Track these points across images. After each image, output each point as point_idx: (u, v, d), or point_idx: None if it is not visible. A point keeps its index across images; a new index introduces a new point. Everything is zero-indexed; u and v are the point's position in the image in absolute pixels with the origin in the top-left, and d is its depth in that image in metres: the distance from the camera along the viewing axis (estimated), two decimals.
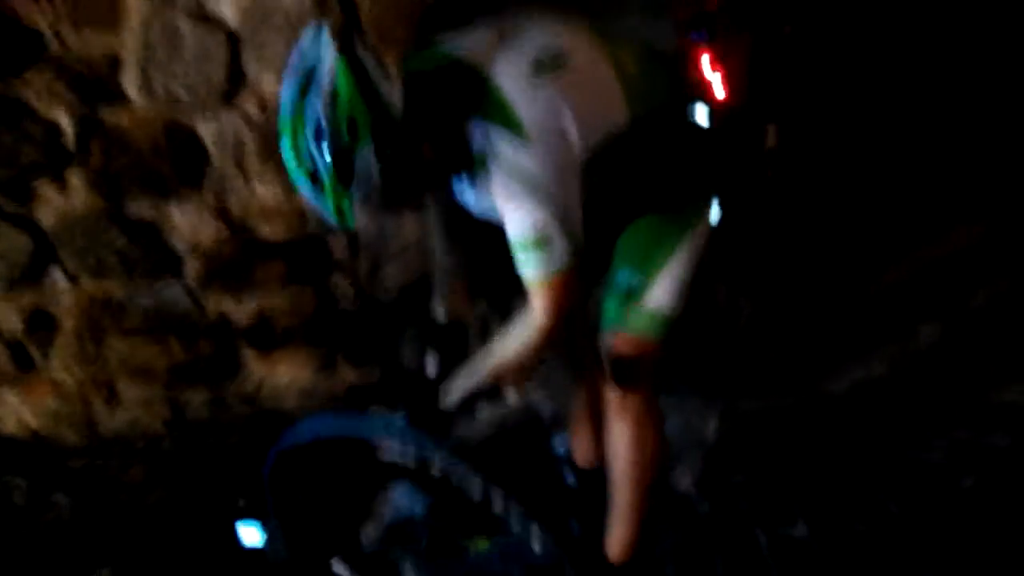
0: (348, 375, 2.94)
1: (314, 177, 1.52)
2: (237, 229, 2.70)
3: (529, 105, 1.56)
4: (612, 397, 1.95)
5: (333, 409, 2.53)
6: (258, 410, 2.90)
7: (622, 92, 1.67)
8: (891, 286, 3.45)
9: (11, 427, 2.79)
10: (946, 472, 2.46)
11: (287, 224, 2.72)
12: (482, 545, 2.20)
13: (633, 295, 1.84)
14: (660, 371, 1.93)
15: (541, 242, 1.58)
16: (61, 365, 2.74)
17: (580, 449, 2.35)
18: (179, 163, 2.60)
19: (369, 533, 2.13)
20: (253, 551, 2.29)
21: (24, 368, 2.73)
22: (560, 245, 1.59)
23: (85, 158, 2.54)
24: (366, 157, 1.49)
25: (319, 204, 1.56)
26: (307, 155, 1.50)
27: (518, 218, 1.59)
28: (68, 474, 2.58)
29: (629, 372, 1.90)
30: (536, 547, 1.71)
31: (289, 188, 2.65)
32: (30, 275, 2.63)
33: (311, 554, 2.04)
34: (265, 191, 2.66)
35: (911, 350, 3.07)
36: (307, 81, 1.48)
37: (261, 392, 2.92)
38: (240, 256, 2.73)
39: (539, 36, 1.65)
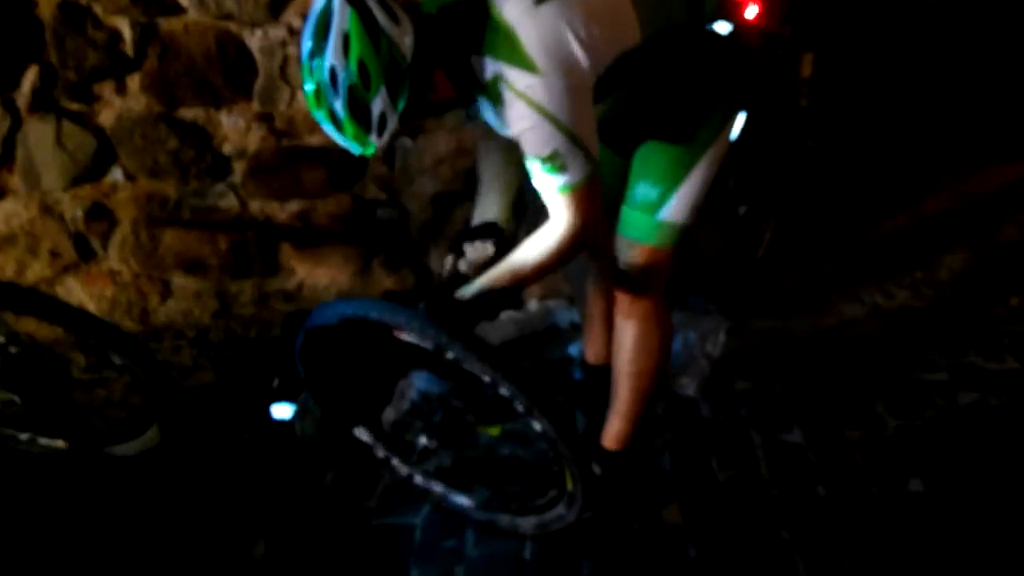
0: (384, 280, 3.12)
1: (333, 118, 1.63)
2: (281, 135, 2.87)
3: (534, 34, 1.62)
4: (623, 299, 2.05)
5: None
6: (299, 308, 3.10)
7: (634, 10, 1.71)
8: (924, 217, 3.47)
9: None
10: (947, 390, 2.52)
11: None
12: (494, 431, 2.35)
13: (650, 207, 1.91)
14: (672, 282, 2.04)
15: (556, 161, 1.66)
16: (119, 256, 2.97)
17: (591, 346, 2.47)
18: (229, 72, 2.77)
19: (390, 412, 2.30)
20: (283, 425, 2.50)
21: (85, 257, 2.97)
22: (576, 162, 1.67)
23: (143, 63, 2.73)
24: (380, 99, 1.60)
25: (341, 141, 1.69)
26: (325, 98, 1.61)
27: (532, 141, 1.67)
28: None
29: (644, 279, 2.00)
30: (537, 427, 1.84)
31: None
32: (92, 172, 2.85)
33: (337, 423, 2.22)
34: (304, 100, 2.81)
35: (934, 279, 3.11)
36: (323, 29, 1.60)
37: (302, 291, 3.11)
38: (283, 161, 2.90)
39: None
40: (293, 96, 2.82)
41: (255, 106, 2.83)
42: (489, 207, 2.08)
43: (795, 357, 2.73)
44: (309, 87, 1.64)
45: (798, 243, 3.17)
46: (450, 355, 1.77)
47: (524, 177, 1.87)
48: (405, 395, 2.48)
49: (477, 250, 2.01)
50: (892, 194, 3.49)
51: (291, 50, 2.76)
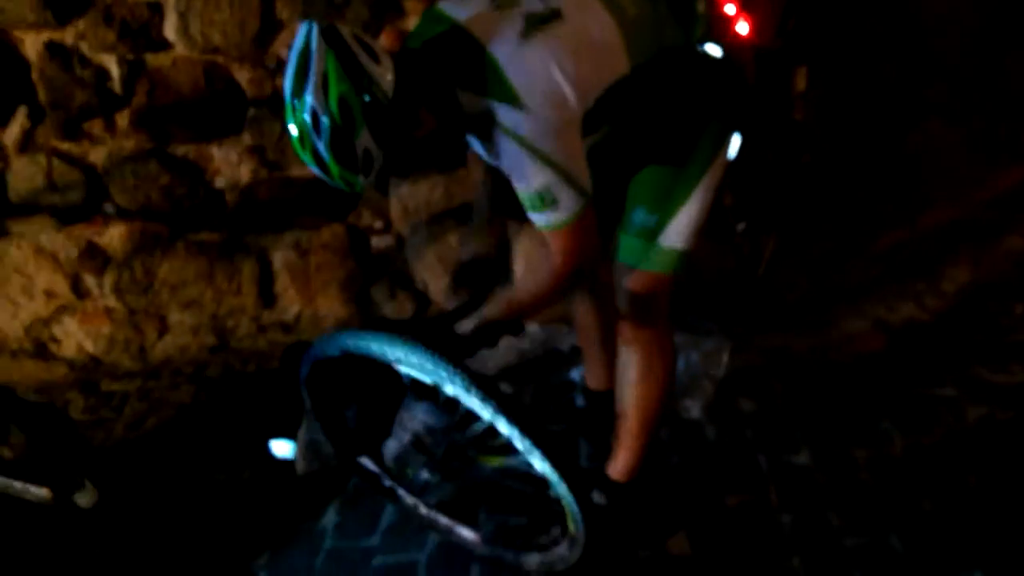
0: (381, 308, 3.09)
1: (318, 158, 1.61)
2: (273, 167, 2.86)
3: (520, 70, 1.60)
4: (624, 326, 2.02)
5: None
6: (297, 339, 3.07)
7: (621, 40, 1.69)
8: (925, 229, 3.44)
9: (71, 351, 3.02)
10: (955, 405, 2.48)
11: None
12: (496, 462, 2.31)
13: (648, 234, 1.88)
14: (673, 302, 2.00)
15: (546, 198, 1.64)
16: (114, 294, 2.95)
17: (592, 373, 2.44)
18: (218, 105, 2.76)
19: (392, 443, 2.27)
20: (283, 462, 2.47)
21: (81, 296, 2.95)
22: (566, 196, 1.65)
23: (131, 100, 2.71)
24: (364, 138, 1.57)
25: (328, 181, 1.66)
26: (308, 139, 1.58)
27: (521, 178, 1.65)
28: (120, 396, 2.78)
29: (645, 305, 1.97)
30: (536, 467, 1.81)
31: None
32: (84, 210, 2.83)
33: (343, 453, 2.19)
34: None
35: (938, 291, 3.08)
36: (303, 69, 1.57)
37: (300, 322, 3.09)
38: (276, 193, 2.88)
39: None
40: (283, 127, 2.79)
41: (246, 139, 2.82)
42: (487, 233, 2.06)
43: (799, 375, 2.69)
44: (293, 128, 1.62)
45: (799, 259, 3.13)
46: (449, 391, 1.74)
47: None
48: (407, 426, 2.45)
49: (479, 278, 1.99)
50: (891, 205, 3.46)
51: (280, 81, 2.73)
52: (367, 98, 1.56)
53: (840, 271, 3.17)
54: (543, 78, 1.62)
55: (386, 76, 1.59)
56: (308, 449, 2.45)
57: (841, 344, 2.84)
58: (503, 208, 2.04)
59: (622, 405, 2.09)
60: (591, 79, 1.67)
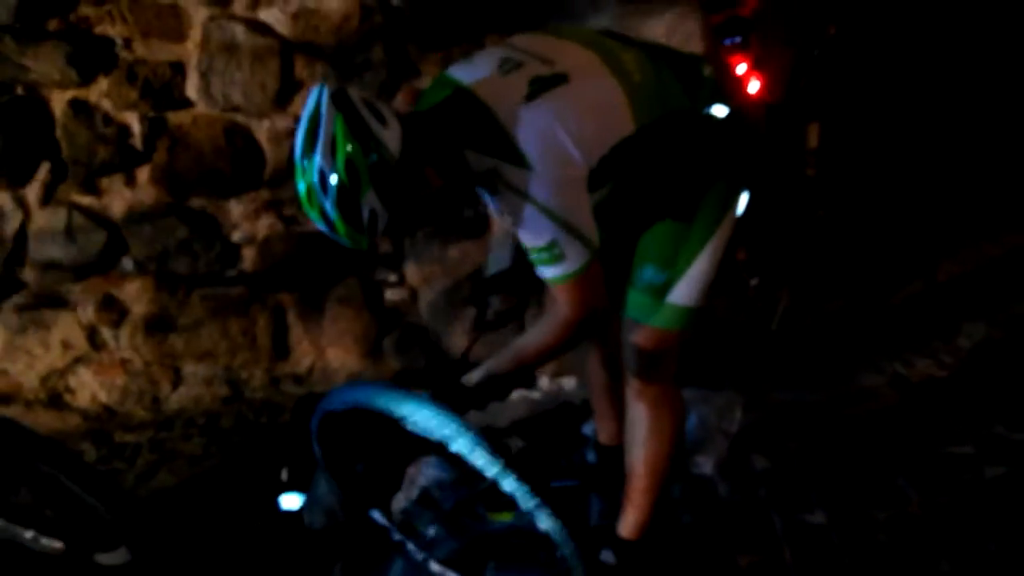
0: (394, 361, 3.10)
1: (325, 217, 1.62)
2: (289, 222, 2.90)
3: (526, 131, 1.63)
4: (633, 383, 2.01)
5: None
6: (309, 391, 3.08)
7: (627, 102, 1.71)
8: (940, 284, 3.43)
9: (85, 401, 3.03)
10: (973, 463, 2.45)
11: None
12: (504, 518, 2.30)
13: (657, 290, 1.88)
14: (685, 357, 2.00)
15: (554, 252, 1.66)
16: (130, 346, 2.97)
17: (603, 427, 2.42)
18: (237, 161, 2.81)
19: (400, 498, 2.26)
20: (291, 516, 2.45)
21: (97, 347, 2.97)
22: (573, 251, 1.67)
23: (152, 156, 2.77)
24: (370, 199, 1.59)
25: (335, 238, 1.69)
26: (316, 198, 1.60)
27: (530, 234, 1.67)
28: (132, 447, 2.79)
29: (653, 362, 1.97)
30: (542, 525, 1.79)
31: None
32: (102, 263, 2.87)
33: (354, 506, 2.18)
34: None
35: (954, 347, 3.05)
36: (312, 130, 1.61)
37: (312, 375, 3.10)
38: (292, 247, 2.92)
39: (539, 55, 1.72)
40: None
41: (264, 194, 2.86)
42: (504, 256, 2.08)
43: (814, 431, 2.66)
44: (301, 187, 1.65)
45: (813, 313, 3.12)
46: (455, 448, 1.73)
47: None
48: (415, 481, 2.44)
49: (500, 300, 2.00)
50: (907, 261, 3.45)
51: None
52: (374, 158, 1.59)
53: (854, 326, 3.15)
54: (548, 138, 1.65)
55: (393, 138, 1.62)
56: (316, 503, 2.44)
57: (856, 400, 2.82)
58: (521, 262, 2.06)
59: (631, 461, 2.07)
60: (596, 139, 1.69)
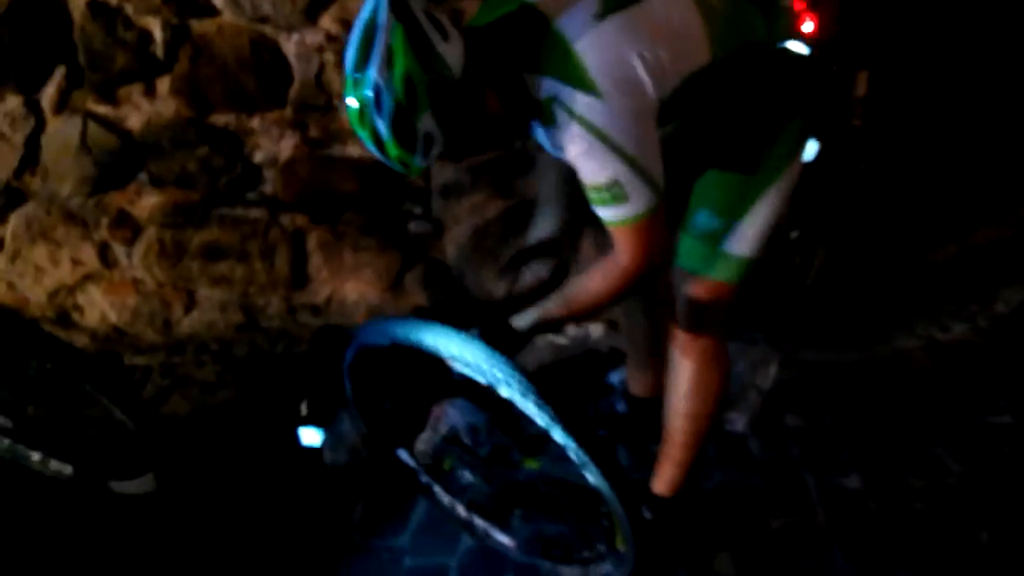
0: (415, 296, 2.99)
1: (376, 136, 1.51)
2: (315, 145, 2.76)
3: (596, 53, 1.50)
4: (681, 336, 1.91)
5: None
6: (326, 323, 2.98)
7: (704, 29, 1.58)
8: (979, 248, 3.33)
9: (94, 321, 2.93)
10: (1012, 434, 2.38)
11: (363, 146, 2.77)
12: (532, 464, 2.23)
13: (714, 239, 1.77)
14: (732, 314, 1.91)
15: (615, 190, 1.54)
16: (143, 265, 2.86)
17: (637, 378, 2.35)
18: (263, 77, 2.66)
19: (432, 439, 2.18)
20: (311, 451, 2.38)
21: (108, 265, 2.86)
22: (637, 192, 1.54)
23: (173, 66, 2.62)
24: (427, 119, 1.48)
25: (384, 160, 1.57)
26: (368, 116, 1.49)
27: (591, 169, 1.54)
28: (142, 370, 2.70)
29: (704, 315, 1.87)
30: (590, 480, 1.72)
31: None
32: (118, 177, 2.73)
33: (382, 445, 2.11)
34: (344, 110, 2.70)
35: (991, 312, 2.97)
36: (367, 42, 1.48)
37: (330, 306, 3.00)
38: (316, 171, 2.78)
39: None
40: (329, 104, 2.70)
41: (289, 113, 2.72)
42: (546, 224, 1.96)
43: (847, 391, 2.59)
44: (352, 103, 1.52)
45: (850, 270, 3.02)
46: (504, 393, 1.64)
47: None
48: (451, 423, 2.36)
49: (533, 271, 1.90)
50: (945, 222, 3.34)
51: (328, 56, 2.64)
52: (434, 77, 1.47)
53: (891, 285, 3.06)
54: (619, 61, 1.52)
55: (455, 55, 1.49)
56: (339, 440, 2.37)
57: (890, 362, 2.74)
58: (570, 199, 1.93)
59: (672, 416, 1.99)
60: (670, 67, 1.56)
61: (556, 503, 2.12)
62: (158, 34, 2.58)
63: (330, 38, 2.61)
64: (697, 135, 1.74)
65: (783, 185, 1.77)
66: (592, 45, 1.51)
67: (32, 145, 2.67)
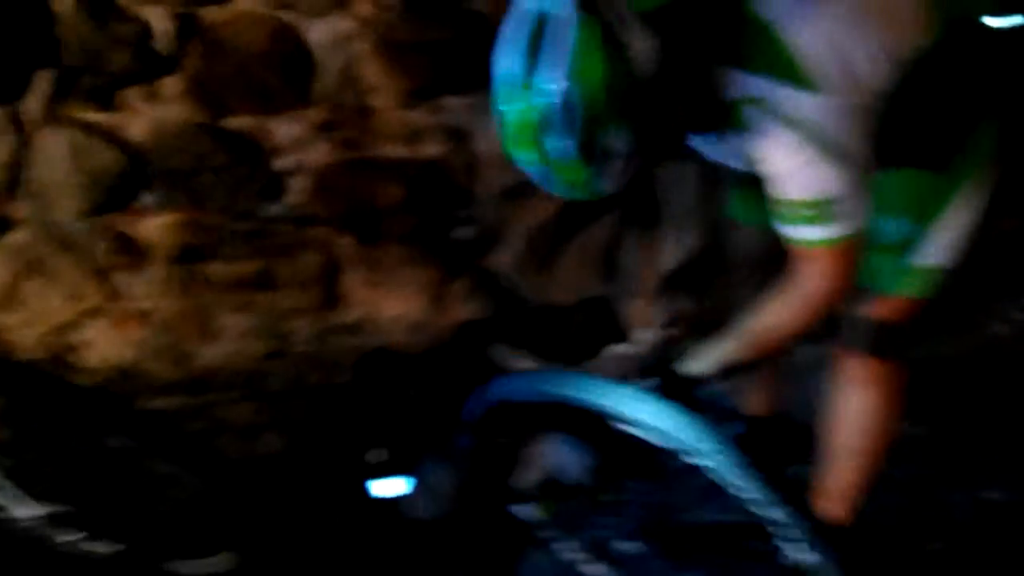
0: (459, 310, 2.69)
1: (541, 152, 1.23)
2: (346, 147, 2.42)
3: (810, 40, 1.25)
4: (855, 363, 1.64)
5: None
6: (363, 345, 2.66)
7: (922, 3, 1.34)
8: None
9: (95, 361, 2.54)
10: None
11: (402, 143, 2.44)
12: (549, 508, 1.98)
13: (904, 249, 1.52)
14: (919, 331, 1.66)
15: (827, 208, 1.30)
16: (152, 295, 2.47)
17: (757, 395, 2.10)
18: (285, 72, 2.30)
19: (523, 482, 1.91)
20: (386, 503, 2.08)
21: (111, 298, 2.47)
22: (853, 209, 1.31)
23: (181, 64, 2.24)
24: (617, 131, 1.21)
25: (544, 179, 1.28)
26: (535, 131, 1.21)
27: (801, 183, 1.29)
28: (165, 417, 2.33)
29: (890, 338, 1.61)
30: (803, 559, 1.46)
31: (404, 103, 2.38)
32: (119, 197, 2.34)
33: (493, 499, 1.83)
34: (379, 107, 2.37)
35: None
36: (537, 40, 1.18)
37: (365, 325, 2.67)
38: (348, 177, 2.45)
39: None
40: (361, 100, 2.36)
41: (315, 113, 2.37)
42: (682, 248, 1.69)
43: (954, 388, 2.39)
44: (513, 114, 1.22)
45: None
46: (699, 462, 1.37)
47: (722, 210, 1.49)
48: (540, 461, 2.08)
49: (678, 302, 1.64)
50: None
51: (359, 46, 2.30)
52: (629, 80, 1.18)
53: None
54: (838, 50, 1.26)
55: (648, 51, 1.20)
56: (429, 490, 2.06)
57: (986, 350, 2.56)
58: (707, 219, 1.68)
59: (836, 452, 1.75)
60: (888, 52, 1.31)
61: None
62: (161, 27, 2.20)
63: (364, 24, 2.27)
64: (888, 128, 1.48)
65: (985, 179, 1.52)
66: (804, 31, 1.25)
67: (14, 165, 2.25)
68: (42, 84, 2.19)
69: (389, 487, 2.04)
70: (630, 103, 1.20)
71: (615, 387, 1.42)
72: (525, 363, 2.57)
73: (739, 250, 1.85)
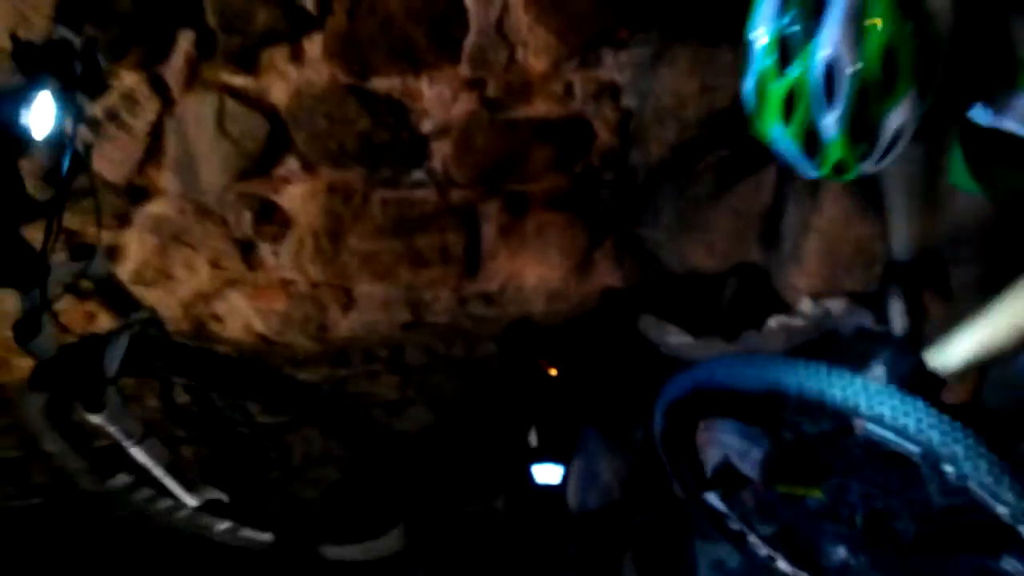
0: (605, 275, 2.55)
1: (809, 130, 1.06)
2: (495, 106, 2.27)
3: None
4: None
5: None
6: (501, 316, 2.55)
7: None
8: None
9: (236, 331, 2.50)
10: None
11: (552, 102, 2.28)
12: (814, 493, 1.82)
13: None
14: None
15: None
16: (293, 264, 2.40)
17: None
18: (433, 28, 2.15)
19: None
20: (550, 491, 1.98)
21: (253, 267, 2.40)
22: None
23: (326, 22, 2.10)
24: (904, 107, 1.04)
25: (801, 160, 1.10)
26: (806, 105, 1.05)
27: None
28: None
29: None
30: None
31: (556, 60, 2.22)
32: (262, 162, 2.25)
33: (692, 489, 1.72)
34: (530, 63, 2.21)
35: None
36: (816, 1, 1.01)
37: (505, 293, 2.55)
38: (496, 138, 2.31)
39: None
40: (512, 56, 2.20)
41: (463, 70, 2.22)
42: (898, 245, 1.52)
43: None
44: (779, 86, 1.06)
45: None
46: (947, 468, 1.21)
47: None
48: (711, 449, 1.94)
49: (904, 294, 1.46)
50: None
51: None
52: (922, 42, 1.00)
53: None
54: None
55: (944, 10, 1.02)
56: (587, 478, 1.96)
57: None
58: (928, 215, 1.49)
59: None
60: None
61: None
62: None
63: None
64: None
65: None
66: None
67: (157, 132, 2.17)
68: (184, 46, 2.08)
69: (548, 473, 1.94)
70: (925, 66, 1.02)
71: (844, 377, 1.26)
72: (676, 336, 2.42)
73: (963, 224, 1.66)
